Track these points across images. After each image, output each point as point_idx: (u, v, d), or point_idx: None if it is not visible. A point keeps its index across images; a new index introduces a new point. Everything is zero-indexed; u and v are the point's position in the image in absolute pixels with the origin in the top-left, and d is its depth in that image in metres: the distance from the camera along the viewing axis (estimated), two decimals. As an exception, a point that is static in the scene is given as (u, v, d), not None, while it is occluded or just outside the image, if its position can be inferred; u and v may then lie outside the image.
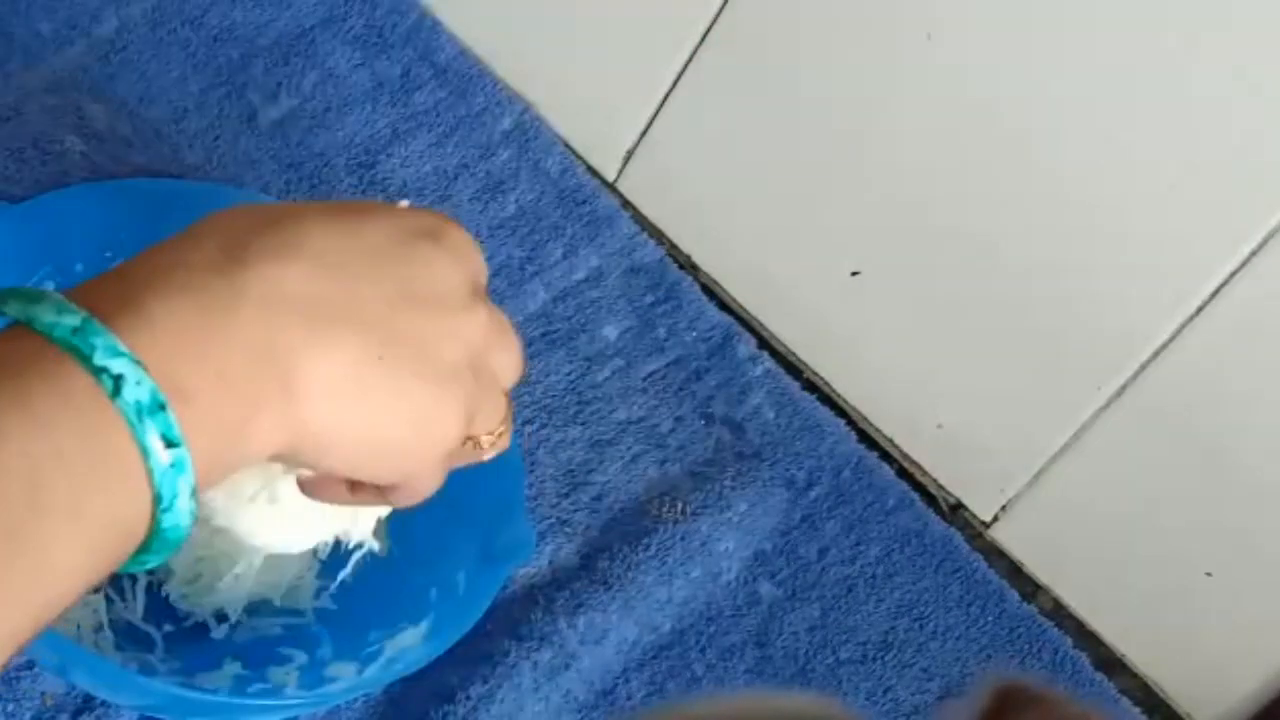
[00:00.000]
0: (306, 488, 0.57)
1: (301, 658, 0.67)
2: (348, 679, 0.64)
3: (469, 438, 0.55)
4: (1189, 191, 0.70)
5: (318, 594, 0.69)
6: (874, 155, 0.79)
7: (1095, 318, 0.75)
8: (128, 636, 0.65)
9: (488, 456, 0.57)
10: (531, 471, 0.76)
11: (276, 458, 0.49)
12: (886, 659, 0.77)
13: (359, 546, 0.64)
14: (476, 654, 0.70)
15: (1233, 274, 0.70)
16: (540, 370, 0.80)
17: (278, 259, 0.50)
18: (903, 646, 0.78)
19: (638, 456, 0.79)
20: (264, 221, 0.51)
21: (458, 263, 0.54)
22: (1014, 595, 0.81)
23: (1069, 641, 0.80)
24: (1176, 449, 0.75)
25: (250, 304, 0.48)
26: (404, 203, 0.57)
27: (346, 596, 0.69)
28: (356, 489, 0.56)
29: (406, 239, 0.53)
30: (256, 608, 0.68)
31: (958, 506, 0.84)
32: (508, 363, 0.56)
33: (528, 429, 0.78)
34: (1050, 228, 0.75)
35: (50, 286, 0.68)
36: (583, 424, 0.80)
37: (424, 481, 0.55)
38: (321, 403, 0.49)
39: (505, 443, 0.57)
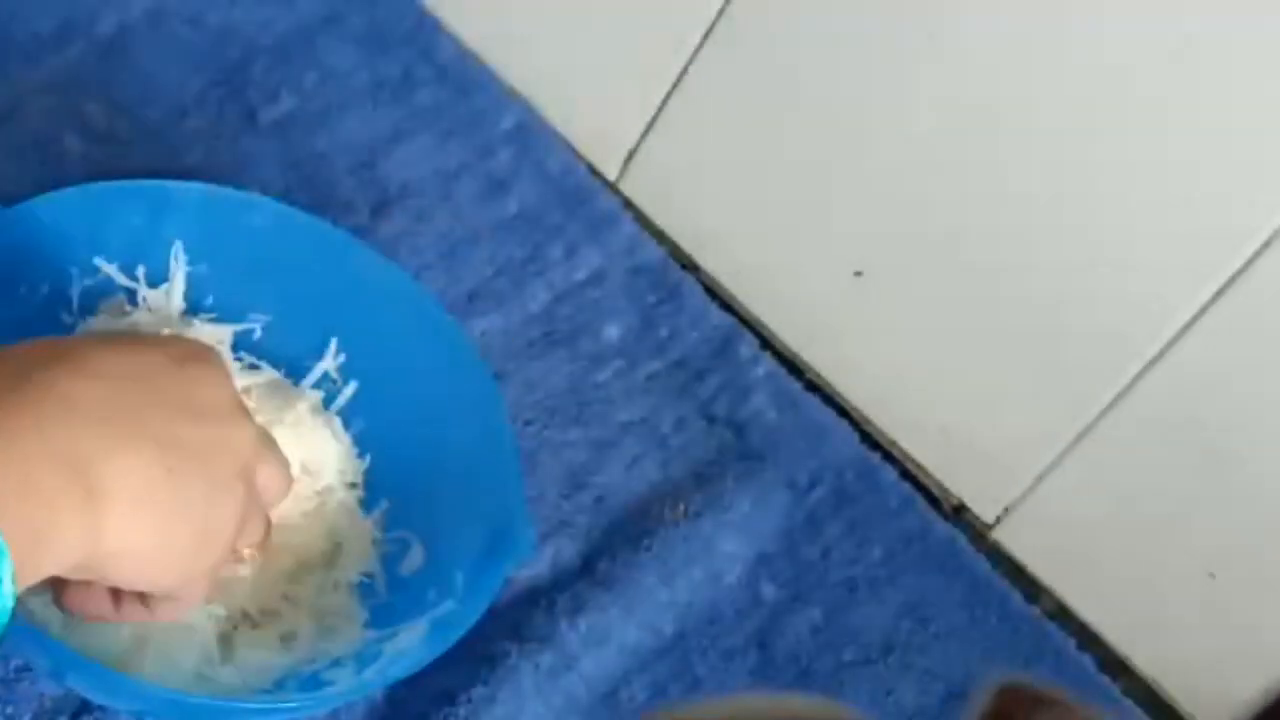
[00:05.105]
0: (69, 603, 0.60)
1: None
2: (347, 681, 0.64)
3: (234, 550, 0.59)
4: (1191, 192, 0.70)
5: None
6: (876, 155, 0.79)
7: (1098, 319, 0.75)
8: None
9: (244, 571, 0.63)
10: (532, 473, 0.76)
11: (73, 571, 0.53)
12: (889, 661, 0.77)
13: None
14: (477, 656, 0.69)
15: (1236, 274, 0.70)
16: (541, 371, 0.80)
17: (71, 375, 0.54)
18: (905, 648, 0.77)
19: (639, 457, 0.79)
20: (50, 347, 0.56)
21: (224, 380, 0.59)
22: (1017, 597, 0.80)
23: (1072, 643, 0.79)
24: (1180, 450, 0.75)
25: (51, 414, 0.52)
26: (166, 331, 0.67)
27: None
28: (122, 604, 0.59)
29: (177, 360, 0.58)
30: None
31: (961, 508, 0.84)
32: (274, 477, 0.61)
33: (528, 430, 0.78)
34: (1053, 228, 0.75)
35: (44, 290, 0.68)
36: (584, 425, 0.79)
37: (194, 591, 0.58)
38: (121, 512, 0.52)
39: (260, 556, 0.63)
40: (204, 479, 0.55)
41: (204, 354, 0.59)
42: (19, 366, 0.53)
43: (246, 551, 0.61)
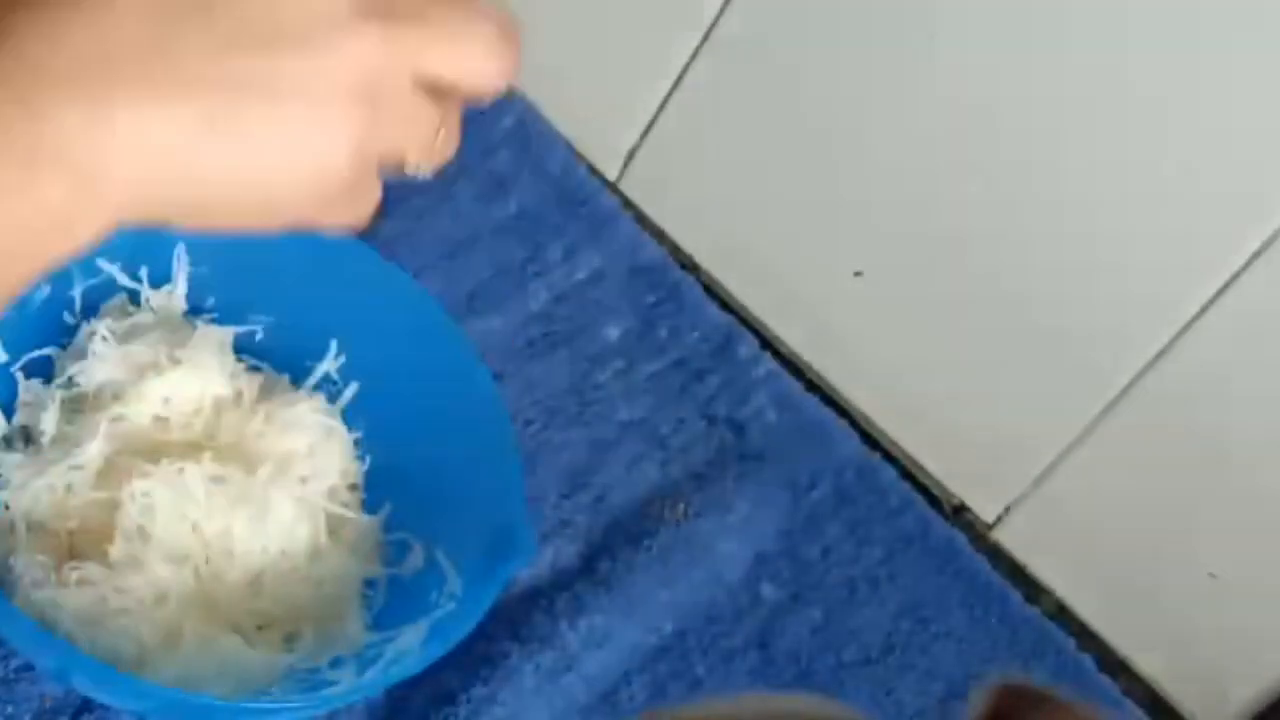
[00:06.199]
0: None
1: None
2: (348, 681, 0.64)
3: (393, 163, 0.48)
4: (1191, 192, 0.70)
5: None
6: (876, 156, 0.79)
7: (1098, 318, 0.75)
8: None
9: (425, 171, 0.49)
10: (532, 473, 0.76)
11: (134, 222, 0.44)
12: (889, 661, 0.77)
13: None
14: (477, 656, 0.69)
15: (1236, 274, 0.70)
16: (541, 371, 0.80)
17: (53, 22, 0.42)
18: (905, 648, 0.77)
19: (639, 458, 0.79)
20: None
21: None
22: (1017, 597, 0.80)
23: (1073, 643, 0.79)
24: (1179, 450, 0.75)
25: (10, 91, 0.41)
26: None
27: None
28: None
29: None
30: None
31: (961, 508, 0.84)
32: (459, 57, 0.47)
33: (529, 430, 0.78)
34: (1053, 228, 0.75)
35: (45, 291, 0.68)
36: (584, 425, 0.79)
37: (342, 211, 0.47)
38: (144, 183, 0.43)
39: (446, 152, 0.49)
40: (277, 113, 0.44)
41: None
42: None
43: (413, 160, 0.49)
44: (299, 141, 0.45)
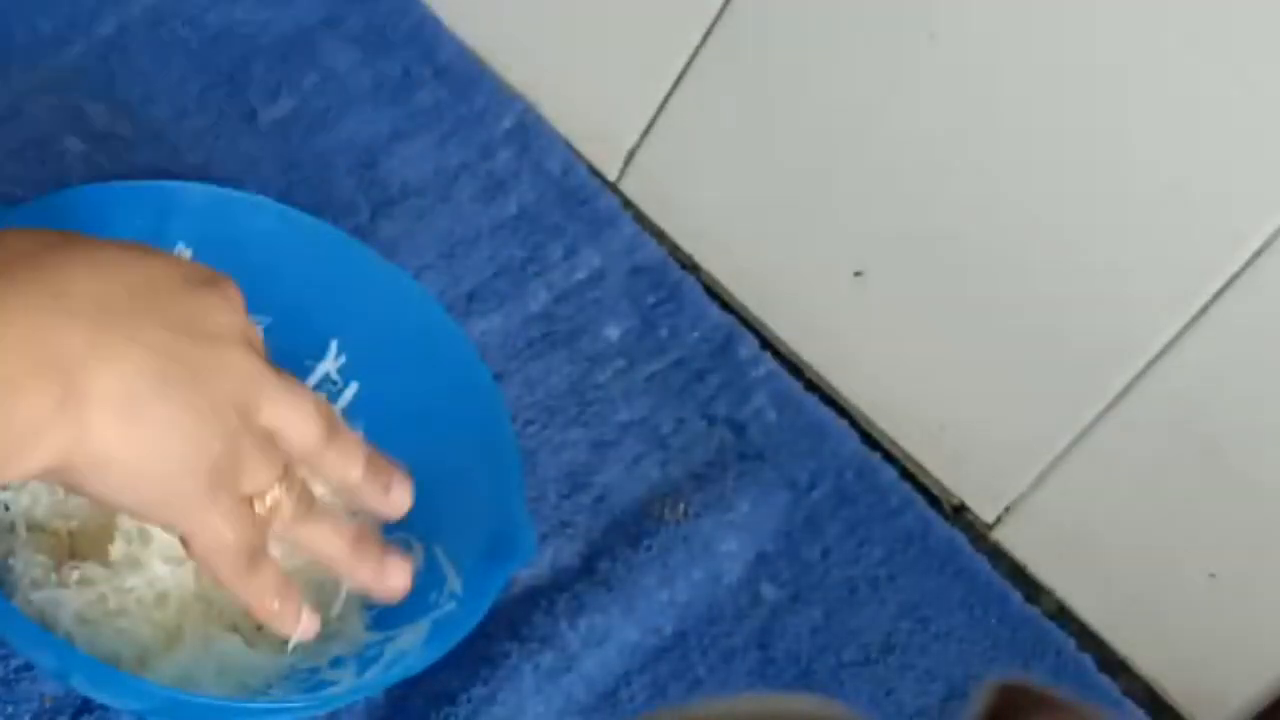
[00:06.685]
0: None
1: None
2: (348, 681, 0.64)
3: (245, 497, 0.55)
4: (1192, 192, 0.70)
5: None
6: (876, 155, 0.79)
7: (1099, 318, 0.75)
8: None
9: (274, 527, 0.57)
10: (532, 473, 0.76)
11: (48, 475, 0.51)
12: (889, 661, 0.77)
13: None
14: (477, 656, 0.69)
15: (1236, 275, 0.70)
16: (541, 371, 0.80)
17: (71, 265, 0.51)
18: (905, 648, 0.77)
19: (639, 458, 0.79)
20: (61, 236, 0.53)
21: (235, 310, 0.56)
22: (1017, 597, 0.80)
23: (1072, 643, 0.79)
24: (1180, 450, 0.75)
25: (40, 302, 0.49)
26: (182, 250, 0.65)
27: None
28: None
29: (190, 280, 0.55)
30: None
31: (961, 508, 0.84)
32: (290, 421, 0.56)
33: (529, 430, 0.78)
34: (1053, 228, 0.75)
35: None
36: (584, 425, 0.79)
37: (196, 526, 0.54)
38: (104, 415, 0.50)
39: (285, 514, 0.57)
40: (194, 397, 0.52)
41: (219, 281, 0.57)
42: (22, 247, 0.51)
43: (258, 504, 0.57)
44: (208, 420, 0.53)
